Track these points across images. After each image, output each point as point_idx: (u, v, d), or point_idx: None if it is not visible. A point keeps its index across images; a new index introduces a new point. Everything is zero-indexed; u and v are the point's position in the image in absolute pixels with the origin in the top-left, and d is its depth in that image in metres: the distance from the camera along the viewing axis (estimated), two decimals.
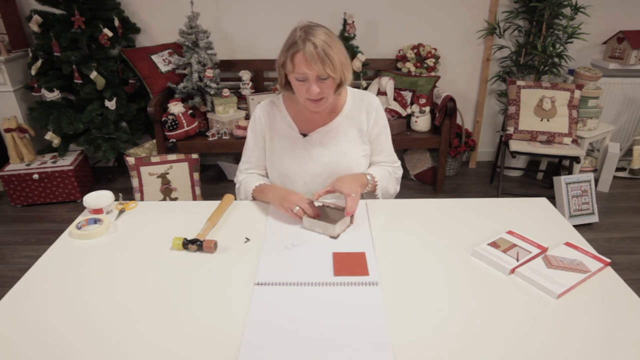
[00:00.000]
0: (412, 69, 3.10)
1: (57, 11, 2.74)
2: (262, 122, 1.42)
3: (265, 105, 1.44)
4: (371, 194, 1.47)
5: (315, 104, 1.26)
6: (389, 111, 2.93)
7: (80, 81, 2.74)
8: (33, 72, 2.75)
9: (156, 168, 2.58)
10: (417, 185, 3.20)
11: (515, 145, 2.69)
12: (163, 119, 2.72)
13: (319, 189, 1.43)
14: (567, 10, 2.92)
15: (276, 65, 1.29)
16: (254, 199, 1.42)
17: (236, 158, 3.35)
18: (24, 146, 2.89)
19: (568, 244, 1.14)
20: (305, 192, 1.45)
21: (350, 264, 1.07)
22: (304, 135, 1.40)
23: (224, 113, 2.88)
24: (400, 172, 1.52)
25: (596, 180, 3.05)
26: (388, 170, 1.47)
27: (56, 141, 2.86)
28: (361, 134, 1.42)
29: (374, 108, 1.41)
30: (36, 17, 2.69)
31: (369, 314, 0.91)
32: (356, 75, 3.02)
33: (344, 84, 1.28)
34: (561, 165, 3.23)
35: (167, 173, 2.60)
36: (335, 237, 1.19)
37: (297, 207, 1.23)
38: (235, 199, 1.41)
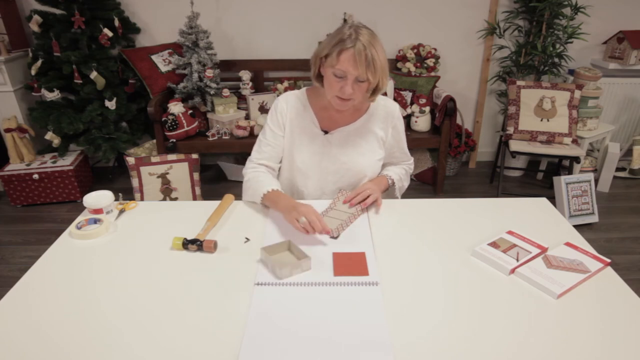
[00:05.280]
0: (412, 69, 3.10)
1: (57, 11, 2.74)
2: (284, 112, 1.41)
3: (288, 97, 1.42)
4: (391, 194, 1.53)
5: (342, 103, 1.27)
6: None
7: (80, 81, 2.74)
8: (33, 72, 2.75)
9: (156, 168, 2.58)
10: (417, 185, 3.20)
11: (515, 145, 2.69)
12: (163, 119, 2.72)
13: (331, 187, 1.45)
14: (567, 10, 2.92)
15: (314, 55, 1.30)
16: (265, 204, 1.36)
17: (236, 158, 3.34)
18: (24, 146, 2.89)
19: (568, 244, 1.14)
20: (317, 189, 1.46)
21: (350, 264, 1.07)
22: (325, 132, 1.41)
23: (224, 113, 2.88)
24: (412, 166, 1.60)
25: (596, 180, 3.05)
26: (405, 168, 1.56)
27: (56, 141, 2.86)
28: (378, 138, 1.44)
29: (395, 116, 1.44)
30: (36, 17, 2.69)
31: (369, 314, 0.91)
32: None
33: (379, 91, 1.29)
34: (561, 165, 3.23)
35: (167, 173, 2.61)
36: (335, 237, 1.19)
37: (303, 219, 1.17)
38: (242, 197, 1.40)
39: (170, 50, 3.00)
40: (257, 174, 1.39)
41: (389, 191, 1.52)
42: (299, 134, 1.41)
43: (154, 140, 2.98)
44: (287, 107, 1.41)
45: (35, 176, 2.81)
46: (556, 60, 3.02)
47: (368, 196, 1.32)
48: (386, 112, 1.42)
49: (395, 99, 2.97)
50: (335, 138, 1.41)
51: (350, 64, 1.18)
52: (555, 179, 2.65)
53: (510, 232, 1.18)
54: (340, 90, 1.23)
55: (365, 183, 1.40)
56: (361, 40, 1.17)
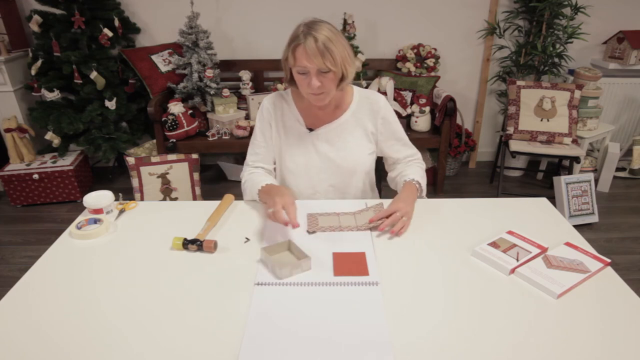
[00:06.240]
0: (412, 69, 3.10)
1: (57, 11, 2.74)
2: (270, 112, 1.42)
3: (273, 97, 1.44)
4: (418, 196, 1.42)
5: (317, 97, 1.27)
6: None
7: (80, 81, 2.74)
8: (33, 72, 2.75)
9: (156, 168, 2.58)
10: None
11: (515, 145, 2.69)
12: (163, 119, 2.72)
13: (322, 185, 1.45)
14: (567, 10, 2.92)
15: (282, 60, 1.30)
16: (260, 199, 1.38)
17: (236, 158, 3.35)
18: (24, 146, 2.89)
19: (568, 244, 1.14)
20: (309, 187, 1.46)
21: (350, 264, 1.07)
22: (310, 130, 1.41)
23: (224, 113, 2.88)
24: (423, 162, 1.51)
25: (596, 180, 3.05)
26: (418, 165, 1.47)
27: (56, 141, 2.86)
28: (367, 132, 1.42)
29: (380, 106, 1.41)
30: (36, 17, 2.69)
31: (369, 314, 0.91)
32: (356, 75, 3.02)
33: (345, 79, 1.27)
34: (561, 165, 3.23)
35: (167, 173, 2.61)
36: (309, 233, 1.20)
37: (271, 210, 1.18)
38: (243, 198, 1.41)
39: (170, 50, 3.00)
40: (252, 175, 1.42)
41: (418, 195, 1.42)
42: (286, 134, 1.42)
43: (154, 140, 2.98)
44: (272, 107, 1.42)
45: (35, 176, 2.81)
46: (556, 60, 3.02)
47: (398, 219, 1.21)
48: (370, 104, 1.41)
49: (395, 99, 2.97)
50: (321, 135, 1.40)
51: (304, 58, 1.19)
52: (555, 179, 2.65)
53: (510, 232, 1.18)
54: (308, 85, 1.24)
55: (397, 202, 1.25)
56: (313, 34, 1.18)
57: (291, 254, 1.12)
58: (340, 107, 1.40)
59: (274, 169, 1.51)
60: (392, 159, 1.49)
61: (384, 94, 2.92)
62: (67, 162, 2.91)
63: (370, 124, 1.42)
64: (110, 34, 2.78)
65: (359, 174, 1.45)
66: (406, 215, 1.22)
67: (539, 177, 3.34)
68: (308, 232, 1.21)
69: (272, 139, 1.44)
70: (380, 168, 1.62)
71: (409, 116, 2.96)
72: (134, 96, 3.05)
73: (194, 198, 2.70)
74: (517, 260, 1.06)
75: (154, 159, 2.57)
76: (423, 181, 1.41)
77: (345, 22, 2.91)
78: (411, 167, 1.46)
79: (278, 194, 1.23)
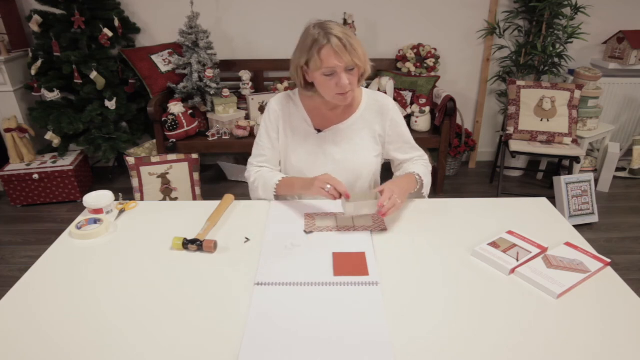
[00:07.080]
0: (412, 69, 3.10)
1: (57, 11, 2.74)
2: (277, 114, 1.41)
3: (280, 98, 1.43)
4: (418, 194, 1.45)
5: (344, 97, 1.27)
6: None
7: (80, 81, 2.74)
8: (33, 72, 2.75)
9: (156, 168, 2.58)
10: None
11: (515, 145, 2.69)
12: (163, 119, 2.72)
13: (328, 186, 1.43)
14: (567, 10, 2.92)
15: (293, 68, 1.30)
16: (276, 195, 1.38)
17: (236, 158, 3.34)
18: (24, 146, 2.89)
19: (568, 244, 1.14)
20: None
21: (350, 264, 1.07)
22: (319, 131, 1.40)
23: (224, 113, 2.88)
24: (429, 162, 1.53)
25: (596, 180, 3.05)
26: (424, 165, 1.49)
27: (56, 141, 2.86)
28: (374, 134, 1.42)
29: (389, 109, 1.41)
30: (36, 17, 2.69)
31: (369, 314, 0.91)
32: None
33: (365, 75, 1.29)
34: (561, 165, 3.23)
35: (167, 173, 2.61)
36: (306, 232, 1.21)
37: (329, 186, 1.21)
38: (250, 197, 1.40)
39: (170, 50, 3.00)
40: (261, 173, 1.43)
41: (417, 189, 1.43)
42: (293, 134, 1.42)
43: (154, 140, 2.98)
44: (280, 108, 1.41)
45: (35, 176, 2.81)
46: (556, 60, 3.02)
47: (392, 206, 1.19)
48: (379, 107, 1.41)
49: (395, 99, 2.97)
50: (329, 136, 1.40)
51: (333, 58, 1.19)
52: (555, 179, 2.65)
53: (510, 232, 1.18)
54: (337, 86, 1.23)
55: (386, 184, 1.25)
56: (333, 33, 1.19)
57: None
58: (349, 107, 1.40)
59: (280, 170, 1.51)
60: (399, 160, 1.50)
61: (384, 93, 2.92)
62: (67, 162, 2.91)
63: (379, 127, 1.42)
64: (110, 34, 2.78)
65: (365, 176, 1.45)
66: (399, 200, 1.21)
67: (539, 177, 3.34)
68: (305, 232, 1.21)
69: (278, 140, 1.44)
70: (382, 170, 1.62)
71: (409, 116, 2.96)
72: (134, 96, 3.05)
73: (194, 198, 2.70)
74: (517, 260, 1.06)
75: (154, 159, 2.58)
76: (426, 178, 1.42)
77: (345, 22, 2.91)
78: (416, 164, 1.48)
79: (315, 177, 1.26)
